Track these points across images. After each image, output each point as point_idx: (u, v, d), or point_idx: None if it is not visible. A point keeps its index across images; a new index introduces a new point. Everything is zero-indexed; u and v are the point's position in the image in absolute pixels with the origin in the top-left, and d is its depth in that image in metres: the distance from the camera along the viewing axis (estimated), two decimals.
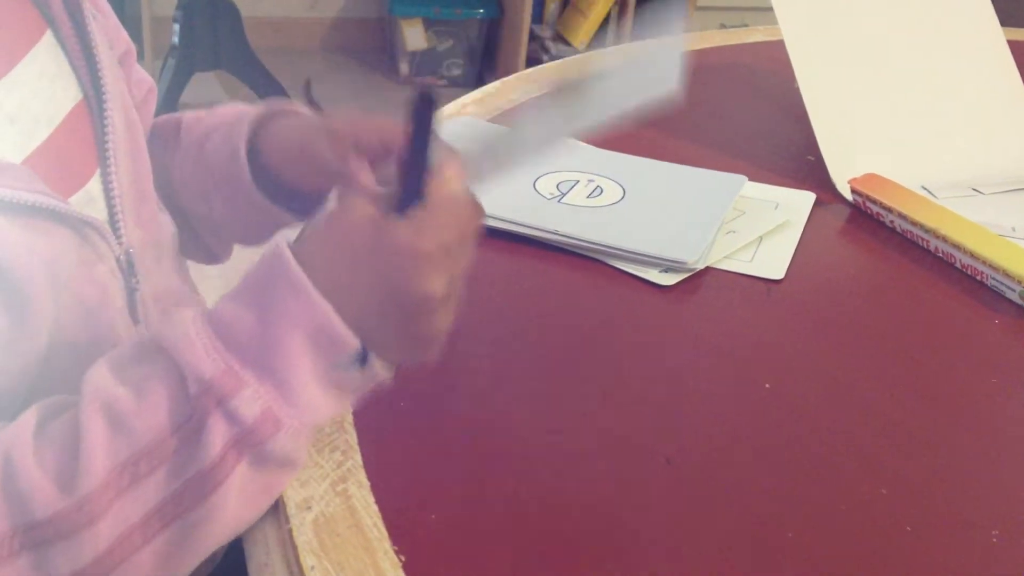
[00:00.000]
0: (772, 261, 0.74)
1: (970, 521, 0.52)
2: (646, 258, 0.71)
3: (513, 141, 0.53)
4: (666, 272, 0.71)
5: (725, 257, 0.74)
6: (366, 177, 0.55)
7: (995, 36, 1.00)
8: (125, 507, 0.43)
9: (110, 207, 0.57)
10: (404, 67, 2.99)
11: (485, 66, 3.05)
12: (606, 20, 2.91)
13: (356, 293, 0.46)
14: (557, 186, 0.80)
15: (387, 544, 0.48)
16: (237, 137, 0.64)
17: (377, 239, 0.46)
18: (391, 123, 0.56)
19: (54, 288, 0.50)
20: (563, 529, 0.50)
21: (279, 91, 2.40)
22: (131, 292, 0.58)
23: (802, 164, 0.90)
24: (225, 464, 0.44)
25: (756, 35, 1.20)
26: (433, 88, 0.53)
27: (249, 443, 0.45)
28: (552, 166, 0.83)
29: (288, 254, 0.47)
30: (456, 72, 3.02)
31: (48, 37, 0.56)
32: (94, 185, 0.56)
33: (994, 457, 0.58)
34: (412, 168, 0.46)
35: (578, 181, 0.81)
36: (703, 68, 1.11)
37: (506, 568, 0.47)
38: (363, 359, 0.48)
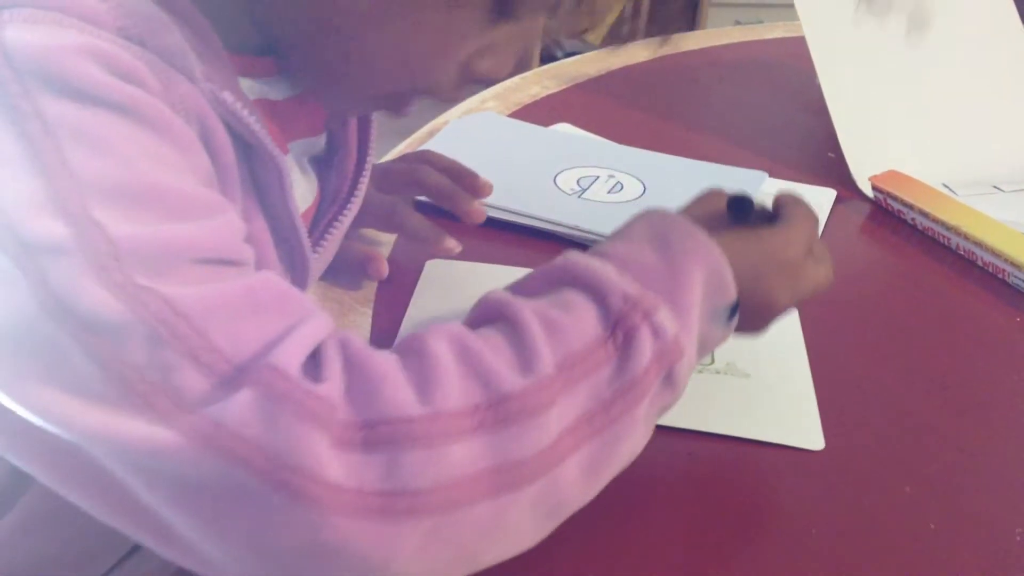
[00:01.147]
0: None
1: (994, 519, 0.52)
2: None
3: None
4: None
5: None
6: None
7: (1016, 34, 1.00)
8: (563, 407, 0.42)
9: None
10: None
11: None
12: (621, 15, 2.91)
13: (734, 254, 0.49)
14: (578, 181, 0.80)
15: None
16: None
17: (749, 236, 0.52)
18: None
19: None
20: (589, 520, 0.50)
21: None
22: None
23: (822, 161, 0.89)
24: (649, 376, 0.44)
25: (776, 31, 1.20)
26: (748, 197, 0.54)
27: (666, 361, 0.45)
28: (573, 161, 0.83)
29: (668, 212, 0.50)
30: None
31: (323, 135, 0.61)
32: None
33: (1017, 454, 0.57)
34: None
35: (598, 177, 0.81)
36: (723, 64, 1.11)
37: (526, 562, 0.47)
38: (733, 313, 0.49)
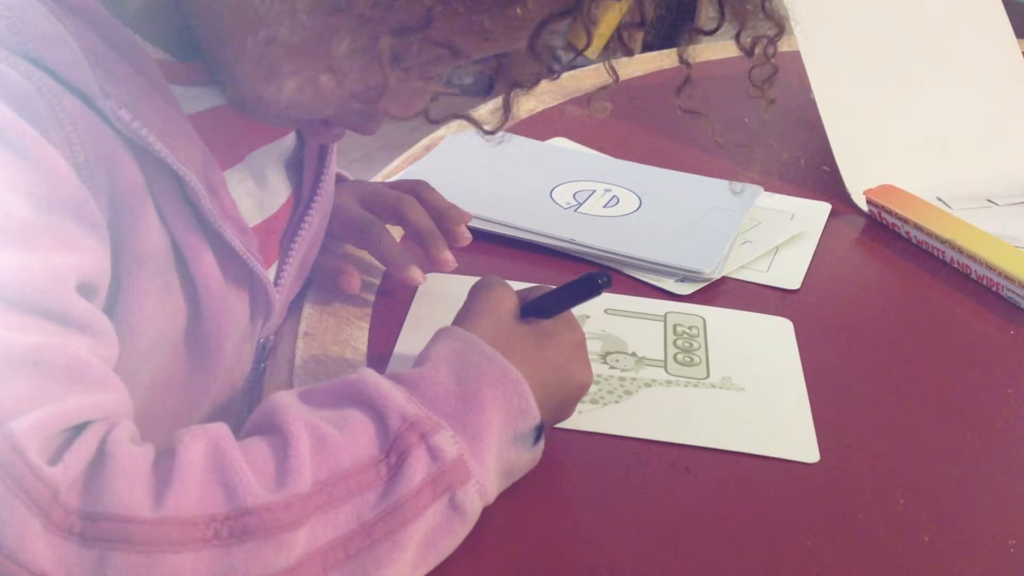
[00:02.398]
0: (788, 271, 0.74)
1: (986, 531, 0.52)
2: (662, 268, 0.72)
3: None
4: (682, 282, 0.71)
5: (741, 267, 0.74)
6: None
7: (1010, 48, 1.01)
8: (315, 527, 0.41)
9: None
10: None
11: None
12: (618, 29, 2.92)
13: (535, 375, 0.50)
14: (574, 196, 0.81)
15: None
16: None
17: (541, 333, 0.53)
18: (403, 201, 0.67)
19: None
20: (567, 531, 0.50)
21: None
22: (258, 374, 0.61)
23: (817, 175, 0.90)
24: (421, 499, 0.43)
25: None
26: (608, 277, 0.53)
27: (444, 484, 0.44)
28: (569, 176, 0.84)
29: (472, 335, 0.50)
30: (467, 80, 3.02)
31: (292, 135, 0.61)
32: (269, 274, 0.59)
33: (1010, 467, 0.58)
34: (562, 302, 0.55)
35: (595, 191, 0.82)
36: (718, 78, 1.12)
37: (529, 569, 0.48)
38: (538, 436, 0.50)
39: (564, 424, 0.55)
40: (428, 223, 0.67)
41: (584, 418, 0.57)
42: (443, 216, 0.68)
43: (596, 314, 0.67)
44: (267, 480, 0.40)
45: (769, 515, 0.52)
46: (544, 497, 0.52)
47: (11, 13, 0.42)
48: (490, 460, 0.47)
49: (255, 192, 0.57)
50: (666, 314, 0.68)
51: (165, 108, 0.47)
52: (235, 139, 0.55)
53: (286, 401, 0.45)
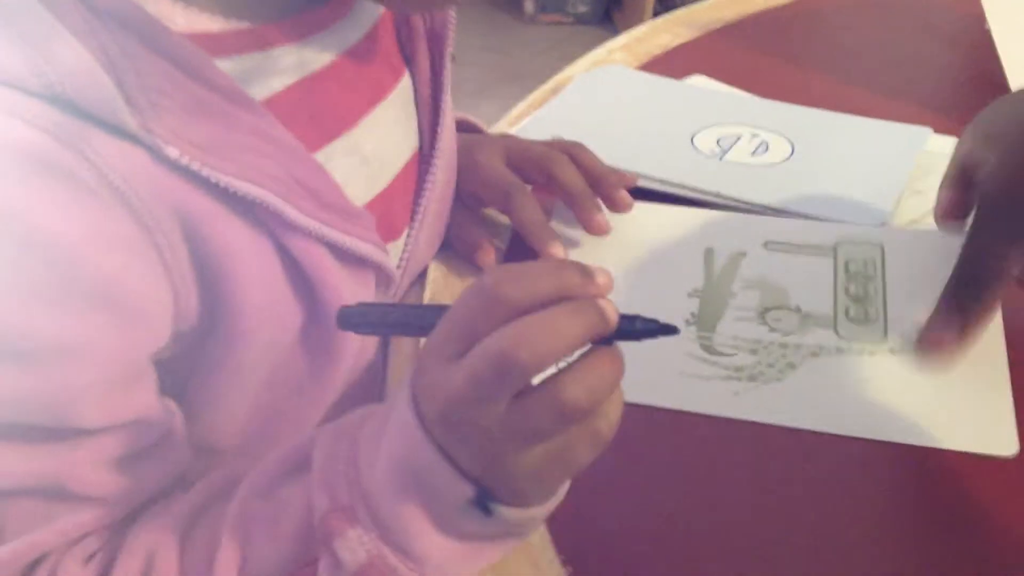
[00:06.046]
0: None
1: None
2: (820, 222, 0.64)
3: None
4: None
5: (911, 222, 0.66)
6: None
7: None
8: None
9: (399, 267, 0.56)
10: (529, 6, 2.93)
11: (612, 2, 2.97)
12: None
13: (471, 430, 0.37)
14: (717, 142, 0.74)
15: (551, 554, 0.44)
16: None
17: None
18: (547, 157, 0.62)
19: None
20: (730, 538, 0.45)
21: None
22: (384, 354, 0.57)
23: None
24: None
25: None
26: (676, 329, 0.37)
27: None
28: (711, 119, 0.76)
29: (407, 392, 0.39)
30: (583, 9, 2.94)
31: (406, 80, 0.56)
32: (400, 243, 0.55)
33: None
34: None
35: (740, 136, 0.74)
36: (878, 7, 1.02)
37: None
38: (483, 505, 0.38)
39: (715, 411, 0.50)
40: (581, 183, 0.61)
41: (741, 401, 0.51)
42: (600, 179, 0.62)
43: (754, 250, 0.60)
44: None
45: (957, 519, 0.46)
46: (681, 501, 0.46)
47: (32, 50, 0.37)
48: (424, 543, 0.39)
49: (372, 158, 0.52)
50: (836, 245, 0.61)
51: (229, 113, 0.42)
52: (338, 105, 0.50)
53: (245, 486, 0.43)
